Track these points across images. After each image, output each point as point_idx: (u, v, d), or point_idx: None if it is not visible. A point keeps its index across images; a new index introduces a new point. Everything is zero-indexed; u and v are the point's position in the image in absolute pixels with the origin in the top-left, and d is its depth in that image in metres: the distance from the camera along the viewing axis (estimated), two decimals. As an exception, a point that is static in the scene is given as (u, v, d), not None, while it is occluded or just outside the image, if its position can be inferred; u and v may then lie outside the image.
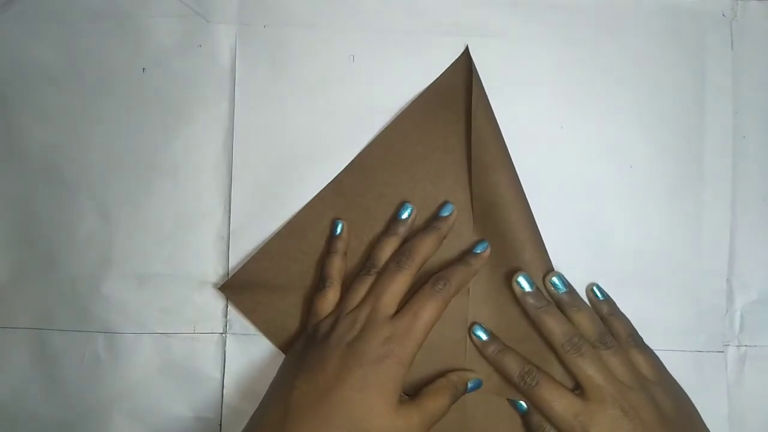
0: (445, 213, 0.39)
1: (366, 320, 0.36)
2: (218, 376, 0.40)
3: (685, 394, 0.38)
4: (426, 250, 0.38)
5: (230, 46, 0.41)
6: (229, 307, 0.40)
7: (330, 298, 0.38)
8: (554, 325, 0.37)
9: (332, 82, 0.41)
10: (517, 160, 0.40)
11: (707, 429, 0.37)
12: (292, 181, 0.41)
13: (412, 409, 0.34)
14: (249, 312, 0.40)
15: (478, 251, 0.39)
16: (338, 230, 0.39)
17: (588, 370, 0.35)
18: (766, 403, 0.41)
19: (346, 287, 0.38)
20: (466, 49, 0.41)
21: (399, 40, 0.41)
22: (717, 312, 0.41)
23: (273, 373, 0.38)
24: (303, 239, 0.40)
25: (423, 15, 0.41)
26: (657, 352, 0.38)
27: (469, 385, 0.38)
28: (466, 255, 0.39)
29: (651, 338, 0.39)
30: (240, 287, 0.40)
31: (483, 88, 0.40)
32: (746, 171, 0.42)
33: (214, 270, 0.41)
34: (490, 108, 0.40)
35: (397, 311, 0.36)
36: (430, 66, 0.41)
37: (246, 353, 0.40)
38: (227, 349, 0.40)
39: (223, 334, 0.40)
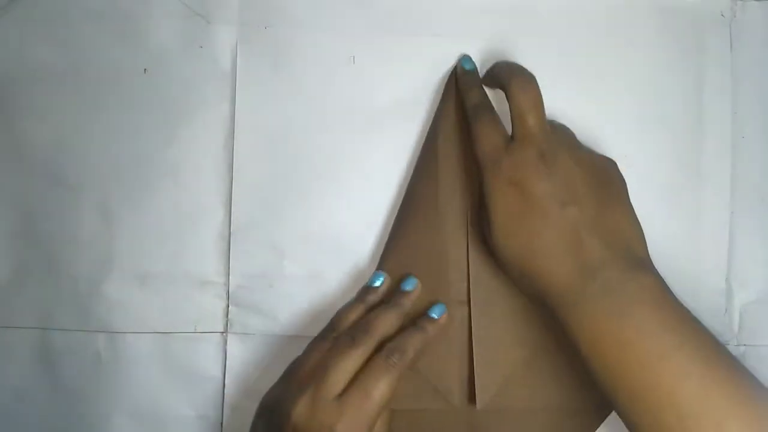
0: (407, 287, 0.38)
1: (312, 398, 0.33)
2: (219, 375, 0.40)
3: (617, 167, 0.36)
4: (385, 328, 0.35)
5: (231, 47, 0.41)
6: (230, 306, 0.41)
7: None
8: (510, 63, 0.37)
9: (333, 84, 0.41)
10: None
11: (631, 204, 0.36)
12: (292, 182, 0.41)
13: None
14: None
15: (435, 316, 0.37)
16: (378, 282, 0.38)
17: (523, 105, 0.34)
18: (766, 402, 0.41)
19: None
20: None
21: (399, 42, 0.41)
22: (716, 311, 0.41)
23: (274, 372, 0.37)
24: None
25: (423, 17, 0.41)
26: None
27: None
28: (420, 320, 0.37)
29: (650, 338, 0.39)
30: None
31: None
32: (745, 171, 0.42)
33: (214, 270, 0.41)
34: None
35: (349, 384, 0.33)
36: (430, 68, 0.41)
37: (247, 352, 0.40)
38: (228, 348, 0.40)
39: (224, 334, 0.41)
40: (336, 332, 0.36)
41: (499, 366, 0.38)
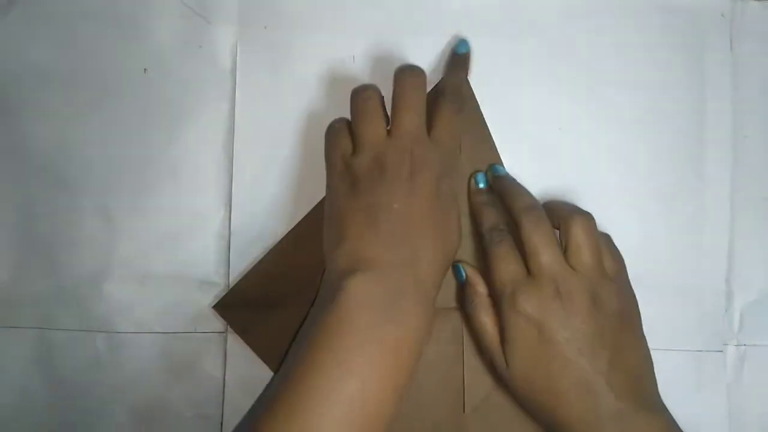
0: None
1: (411, 143, 0.35)
2: (219, 375, 0.40)
3: (635, 299, 0.37)
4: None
5: (231, 46, 0.41)
6: (229, 306, 0.41)
7: (345, 129, 0.37)
8: (520, 191, 0.37)
9: (333, 83, 0.41)
10: (516, 162, 0.40)
11: (643, 336, 0.36)
12: (292, 181, 0.41)
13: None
14: (242, 332, 0.39)
15: (464, 50, 0.40)
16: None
17: (537, 243, 0.34)
18: (766, 402, 0.41)
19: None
20: None
21: (399, 41, 0.41)
22: (716, 312, 0.41)
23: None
24: (302, 252, 0.39)
25: (423, 16, 0.41)
26: (657, 352, 0.37)
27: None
28: (451, 61, 0.40)
29: (651, 338, 0.38)
30: (233, 306, 0.39)
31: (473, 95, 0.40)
32: (746, 171, 0.42)
33: (214, 270, 0.41)
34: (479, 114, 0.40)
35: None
36: (430, 67, 0.41)
37: (247, 352, 0.40)
38: (228, 348, 0.40)
39: (224, 333, 0.40)
40: (376, 88, 0.37)
41: (489, 372, 0.38)
